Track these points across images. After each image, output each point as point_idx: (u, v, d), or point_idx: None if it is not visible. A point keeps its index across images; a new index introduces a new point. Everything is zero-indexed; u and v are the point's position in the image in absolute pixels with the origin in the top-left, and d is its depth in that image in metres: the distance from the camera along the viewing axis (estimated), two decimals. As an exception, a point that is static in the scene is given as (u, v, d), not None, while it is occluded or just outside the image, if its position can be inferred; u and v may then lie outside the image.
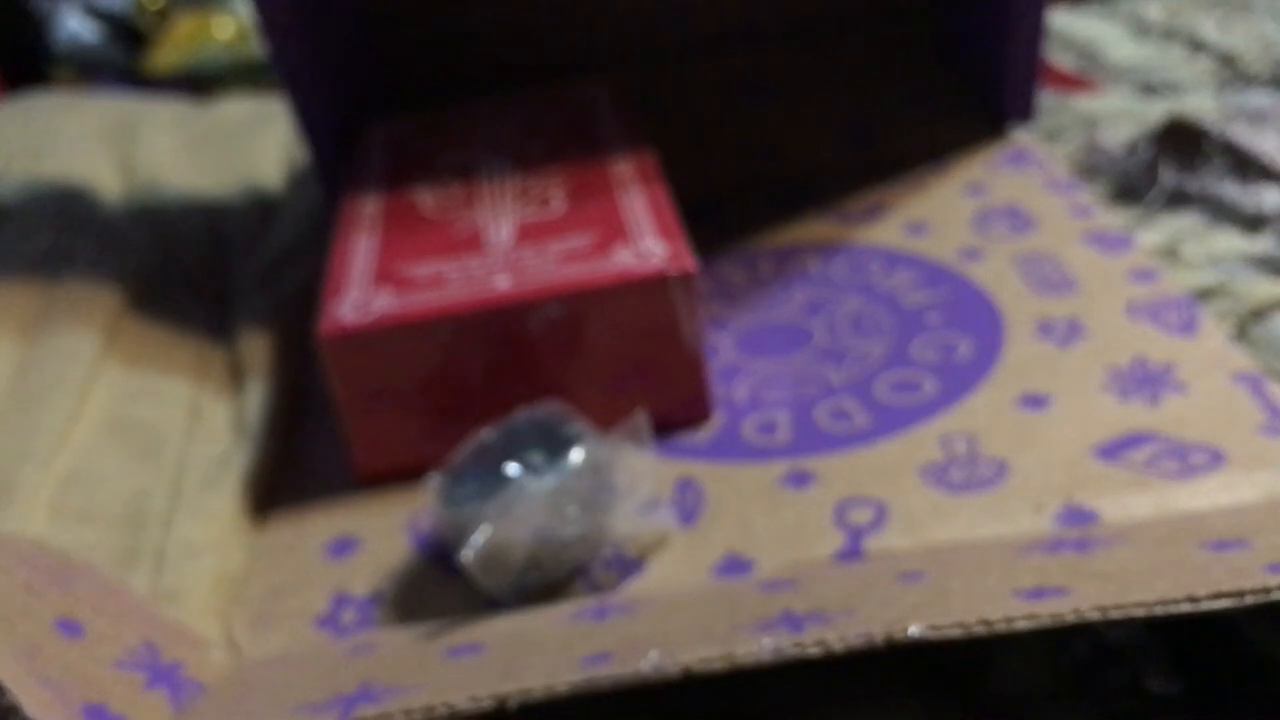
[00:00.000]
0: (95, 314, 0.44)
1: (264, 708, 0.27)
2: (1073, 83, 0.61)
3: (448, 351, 0.36)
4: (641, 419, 0.33)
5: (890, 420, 0.37)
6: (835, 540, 0.33)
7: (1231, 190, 0.46)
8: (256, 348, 0.44)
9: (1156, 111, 0.54)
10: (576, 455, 0.32)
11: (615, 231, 0.38)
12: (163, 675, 0.29)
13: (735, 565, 0.32)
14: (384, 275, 0.38)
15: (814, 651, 0.23)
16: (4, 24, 0.93)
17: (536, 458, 0.32)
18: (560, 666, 0.25)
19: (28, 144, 0.61)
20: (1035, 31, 0.48)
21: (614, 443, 0.33)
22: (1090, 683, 0.28)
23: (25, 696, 0.23)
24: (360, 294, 0.37)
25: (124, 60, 0.94)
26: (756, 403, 0.39)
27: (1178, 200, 0.47)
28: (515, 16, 0.55)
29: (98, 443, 0.39)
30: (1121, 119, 0.55)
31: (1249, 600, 0.23)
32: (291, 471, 0.39)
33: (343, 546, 0.36)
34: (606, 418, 0.34)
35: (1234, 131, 0.48)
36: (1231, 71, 0.59)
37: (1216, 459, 0.33)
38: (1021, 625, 0.23)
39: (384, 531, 0.36)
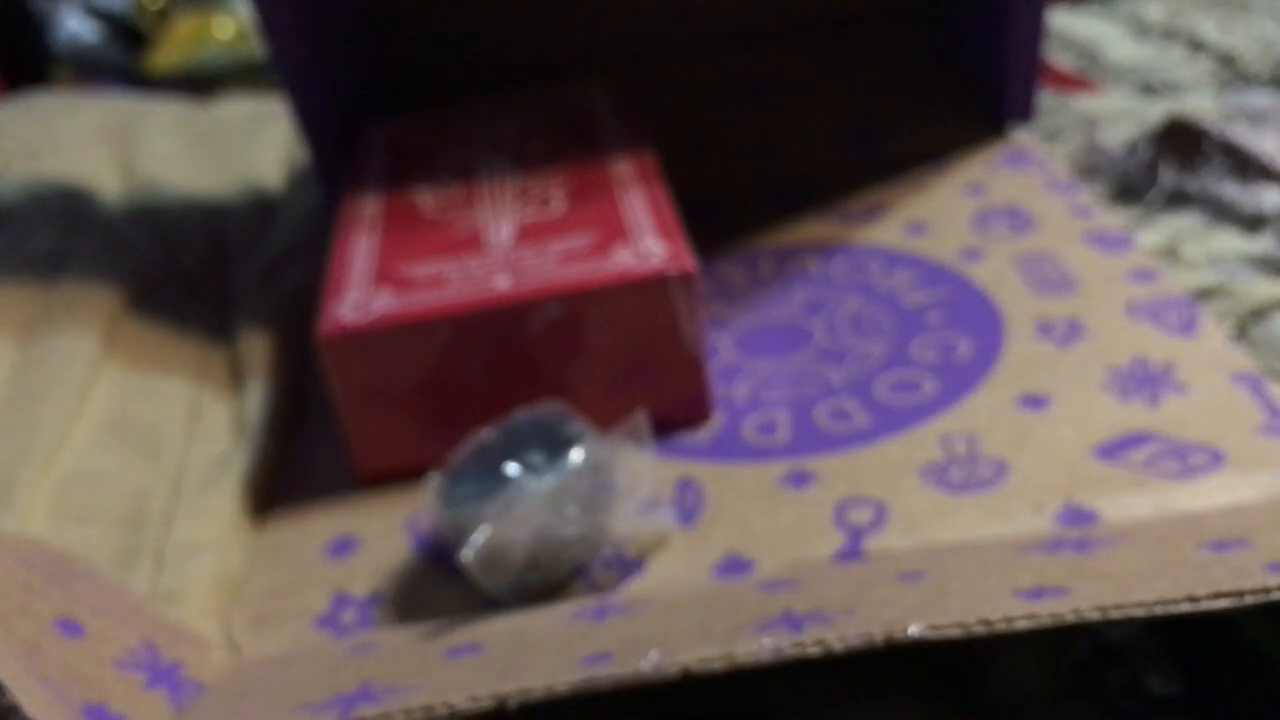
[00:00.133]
0: (95, 314, 0.44)
1: (264, 708, 0.27)
2: (1073, 83, 0.61)
3: (447, 351, 0.36)
4: (641, 419, 0.33)
5: (890, 420, 0.37)
6: (835, 540, 0.33)
7: (1231, 190, 0.46)
8: (256, 348, 0.44)
9: (1156, 111, 0.54)
10: (576, 455, 0.32)
11: (615, 231, 0.38)
12: (163, 675, 0.29)
13: (735, 565, 0.32)
14: (384, 275, 0.38)
15: (814, 651, 0.23)
16: (4, 24, 0.93)
17: (536, 458, 0.32)
18: (560, 666, 0.25)
19: (28, 144, 0.61)
20: (1035, 31, 0.48)
21: (614, 443, 0.33)
22: (1090, 683, 0.28)
23: (25, 696, 0.23)
24: (360, 294, 0.37)
25: (124, 60, 0.94)
26: (756, 403, 0.39)
27: (1178, 200, 0.47)
28: (515, 16, 0.55)
29: (98, 443, 0.39)
30: (1121, 119, 0.55)
31: (1249, 600, 0.23)
32: (291, 471, 0.39)
33: (343, 546, 0.36)
34: (606, 418, 0.34)
35: (1234, 131, 0.48)
36: (1231, 71, 0.59)
37: (1216, 459, 0.33)
38: (1021, 625, 0.23)
39: (384, 531, 0.36)
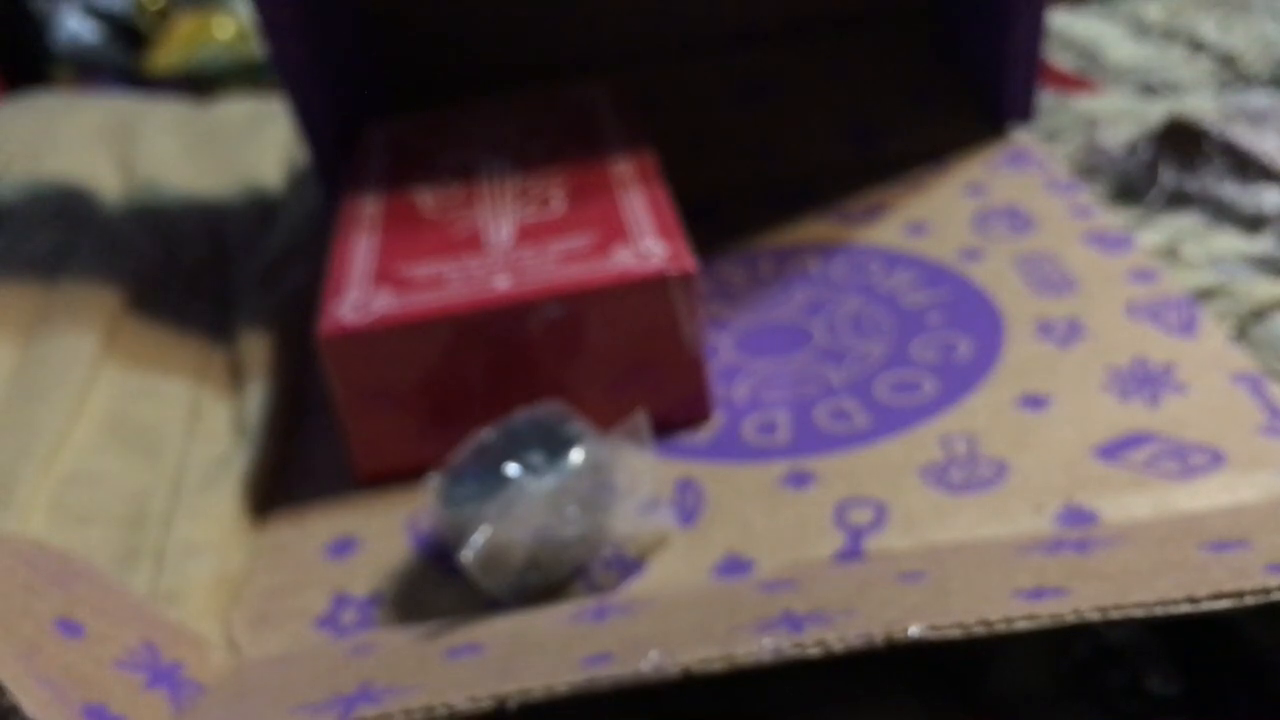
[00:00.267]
0: (95, 314, 0.44)
1: (264, 708, 0.27)
2: (1073, 83, 0.61)
3: (447, 351, 0.36)
4: (641, 419, 0.33)
5: (890, 420, 0.37)
6: (835, 540, 0.33)
7: (1231, 190, 0.46)
8: (256, 348, 0.44)
9: (1156, 111, 0.54)
10: (576, 455, 0.32)
11: (615, 231, 0.38)
12: (163, 675, 0.29)
13: (735, 565, 0.32)
14: (384, 275, 0.38)
15: (814, 651, 0.23)
16: (4, 24, 0.93)
17: (536, 458, 0.32)
18: (560, 666, 0.25)
19: (28, 144, 0.61)
20: (1035, 31, 0.48)
21: (614, 443, 0.33)
22: (1090, 683, 0.28)
23: (25, 696, 0.23)
24: (360, 294, 0.37)
25: (124, 60, 0.94)
26: (756, 403, 0.39)
27: (1178, 200, 0.47)
28: (515, 16, 0.55)
29: (98, 443, 0.39)
30: (1121, 119, 0.55)
31: (1249, 600, 0.23)
32: (291, 471, 0.39)
33: (343, 546, 0.36)
34: (606, 418, 0.34)
35: (1234, 131, 0.48)
36: (1231, 71, 0.59)
37: (1216, 459, 0.33)
38: (1021, 625, 0.23)
39: (384, 531, 0.36)
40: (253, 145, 0.63)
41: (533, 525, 0.31)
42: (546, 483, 0.31)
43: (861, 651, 0.23)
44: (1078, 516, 0.32)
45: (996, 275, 0.43)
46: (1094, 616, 0.23)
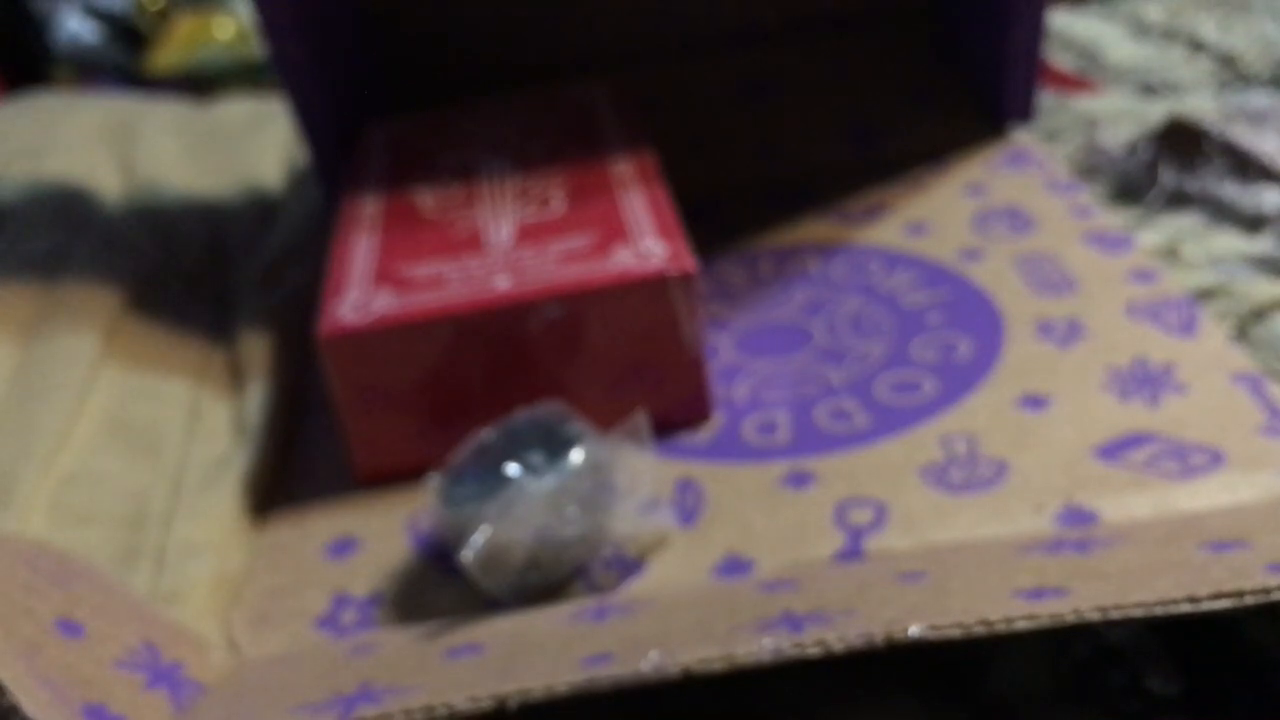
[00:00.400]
0: (95, 314, 0.44)
1: (264, 708, 0.27)
2: (1073, 83, 0.61)
3: (447, 351, 0.36)
4: (641, 419, 0.33)
5: (890, 420, 0.37)
6: (835, 540, 0.33)
7: (1231, 190, 0.46)
8: (256, 348, 0.44)
9: (1156, 112, 0.54)
10: (576, 455, 0.32)
11: (615, 231, 0.38)
12: (163, 675, 0.29)
13: (735, 565, 0.32)
14: (384, 275, 0.38)
15: (814, 651, 0.23)
16: (4, 24, 0.93)
17: (536, 458, 0.32)
18: (560, 666, 0.25)
19: (28, 144, 0.61)
20: (1035, 31, 0.48)
21: (614, 443, 0.33)
22: (1090, 683, 0.28)
23: (25, 696, 0.23)
24: (360, 294, 0.37)
25: (124, 60, 0.94)
26: (756, 403, 0.39)
27: (1178, 200, 0.47)
28: (515, 16, 0.55)
29: (98, 443, 0.39)
30: (1121, 119, 0.55)
31: (1249, 600, 0.23)
32: (291, 471, 0.39)
33: (343, 547, 0.36)
34: (606, 418, 0.34)
35: (1234, 132, 0.48)
36: (1231, 71, 0.59)
37: (1216, 459, 0.33)
38: (1021, 625, 0.23)
39: (384, 531, 0.36)
40: (253, 145, 0.63)
41: (533, 525, 0.31)
42: (546, 483, 0.31)
43: (861, 651, 0.23)
44: (1078, 516, 0.32)
45: (996, 275, 0.43)
46: (1094, 616, 0.23)
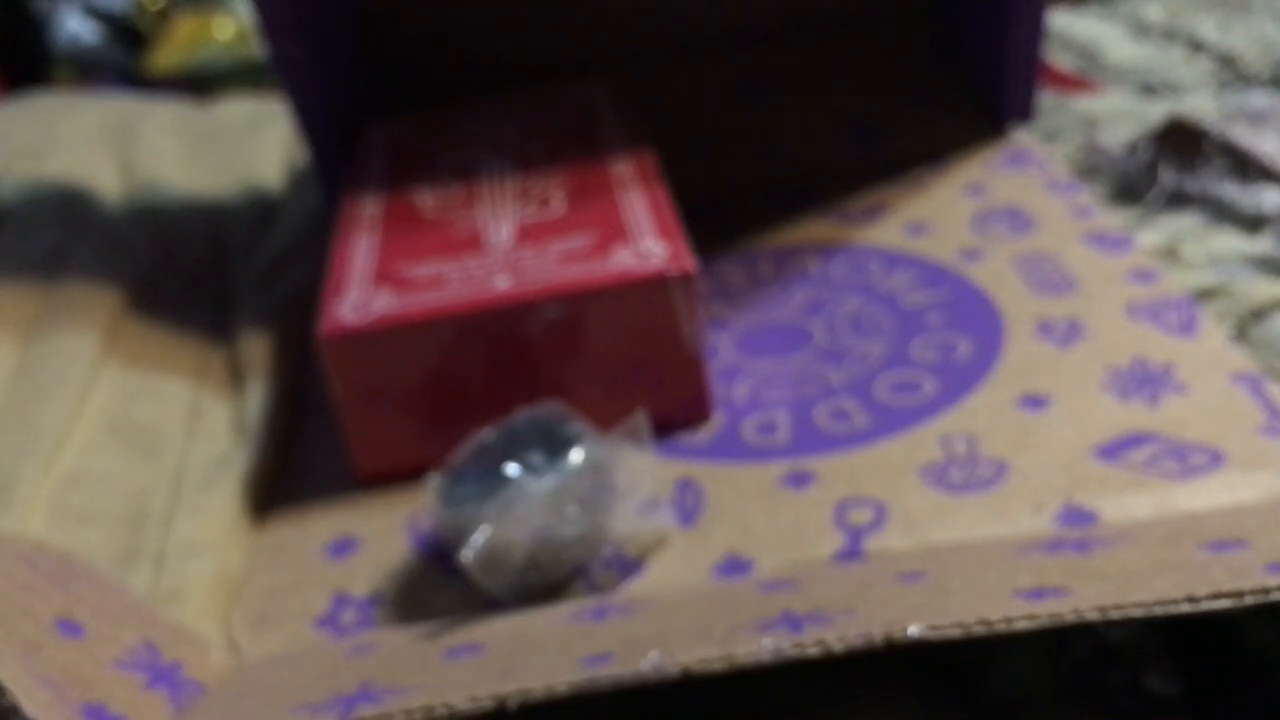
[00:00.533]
0: (95, 314, 0.44)
1: (264, 708, 0.27)
2: (1073, 83, 0.61)
3: (448, 351, 0.36)
4: (641, 419, 0.33)
5: (890, 420, 0.37)
6: (835, 540, 0.33)
7: (1231, 190, 0.46)
8: (256, 348, 0.44)
9: (1156, 112, 0.54)
10: (576, 455, 0.32)
11: (615, 231, 0.38)
12: (163, 675, 0.29)
13: (735, 565, 0.32)
14: (384, 275, 0.38)
15: (814, 651, 0.23)
16: (4, 24, 0.93)
17: (536, 458, 0.32)
18: (560, 666, 0.25)
19: (28, 144, 0.61)
20: (1035, 31, 0.48)
21: (614, 443, 0.33)
22: (1090, 683, 0.28)
23: (25, 696, 0.23)
24: (360, 294, 0.37)
25: (124, 60, 0.94)
26: (756, 403, 0.39)
27: (1178, 200, 0.47)
28: (515, 16, 0.55)
29: (98, 443, 0.39)
30: (1121, 119, 0.55)
31: (1248, 600, 0.23)
32: (291, 471, 0.39)
33: (343, 546, 0.36)
34: (606, 418, 0.34)
35: (1234, 132, 0.48)
36: (1231, 72, 0.59)
37: (1216, 459, 0.33)
38: (1021, 625, 0.23)
39: (384, 531, 0.36)
40: (253, 145, 0.63)
41: (533, 525, 0.31)
42: (546, 483, 0.31)
43: (861, 651, 0.23)
44: (1078, 516, 0.32)
45: (996, 275, 0.43)
46: (1094, 616, 0.23)
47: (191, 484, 0.38)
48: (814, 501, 0.34)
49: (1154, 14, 0.68)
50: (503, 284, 0.37)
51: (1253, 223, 0.45)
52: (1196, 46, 0.63)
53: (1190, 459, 0.33)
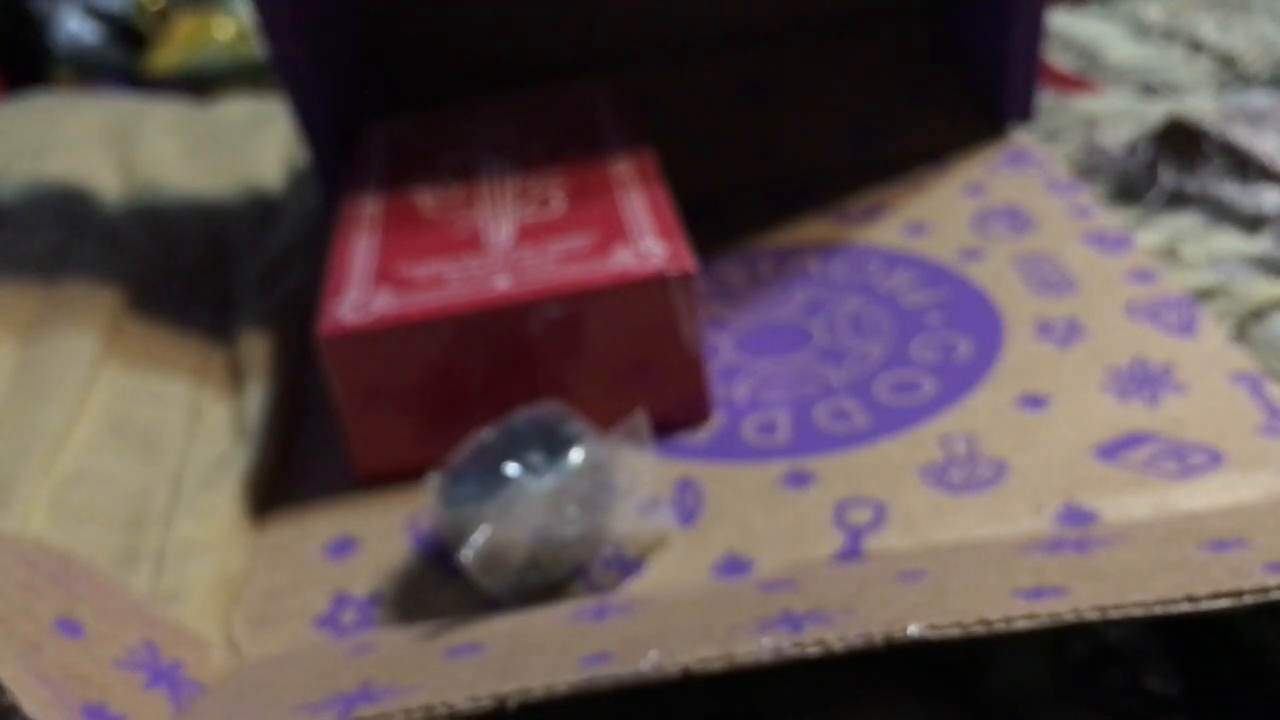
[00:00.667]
0: (95, 314, 0.44)
1: (264, 708, 0.27)
2: (1073, 83, 0.61)
3: (448, 351, 0.36)
4: (641, 419, 0.33)
5: (890, 420, 0.37)
6: (835, 540, 0.33)
7: (1231, 190, 0.46)
8: (256, 348, 0.44)
9: (1156, 112, 0.54)
10: (576, 455, 0.32)
11: (615, 232, 0.38)
12: (163, 675, 0.29)
13: (735, 565, 0.33)
14: (384, 275, 0.38)
15: (814, 651, 0.23)
16: (4, 24, 0.93)
17: (536, 458, 0.32)
18: (560, 666, 0.25)
19: (28, 144, 0.61)
20: (1035, 32, 0.48)
21: (614, 443, 0.33)
22: (1090, 683, 0.28)
23: (25, 696, 0.23)
24: (360, 294, 0.37)
25: (124, 60, 0.94)
26: (756, 403, 0.39)
27: (1177, 200, 0.47)
28: (515, 16, 0.55)
29: (98, 443, 0.39)
30: (1121, 119, 0.55)
31: (1248, 600, 0.23)
32: (291, 471, 0.39)
33: (343, 546, 0.36)
34: (606, 418, 0.34)
35: (1234, 132, 0.48)
36: (1231, 72, 0.59)
37: (1216, 459, 0.33)
38: (1020, 625, 0.23)
39: (384, 531, 0.36)
40: (253, 145, 0.63)
41: (533, 525, 0.31)
42: (546, 483, 0.31)
43: (861, 651, 0.23)
44: (1077, 516, 0.32)
45: (996, 275, 0.43)
46: (1093, 616, 0.23)
47: (191, 484, 0.38)
48: (814, 501, 0.34)
49: (1154, 14, 0.68)
50: (503, 284, 0.37)
51: (1252, 223, 0.45)
52: (1196, 46, 0.63)
53: (1190, 459, 0.33)
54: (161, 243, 0.51)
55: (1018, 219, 0.46)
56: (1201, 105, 0.55)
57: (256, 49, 0.88)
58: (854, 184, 0.50)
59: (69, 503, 0.37)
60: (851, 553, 0.32)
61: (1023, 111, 0.51)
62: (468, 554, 0.31)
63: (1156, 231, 0.45)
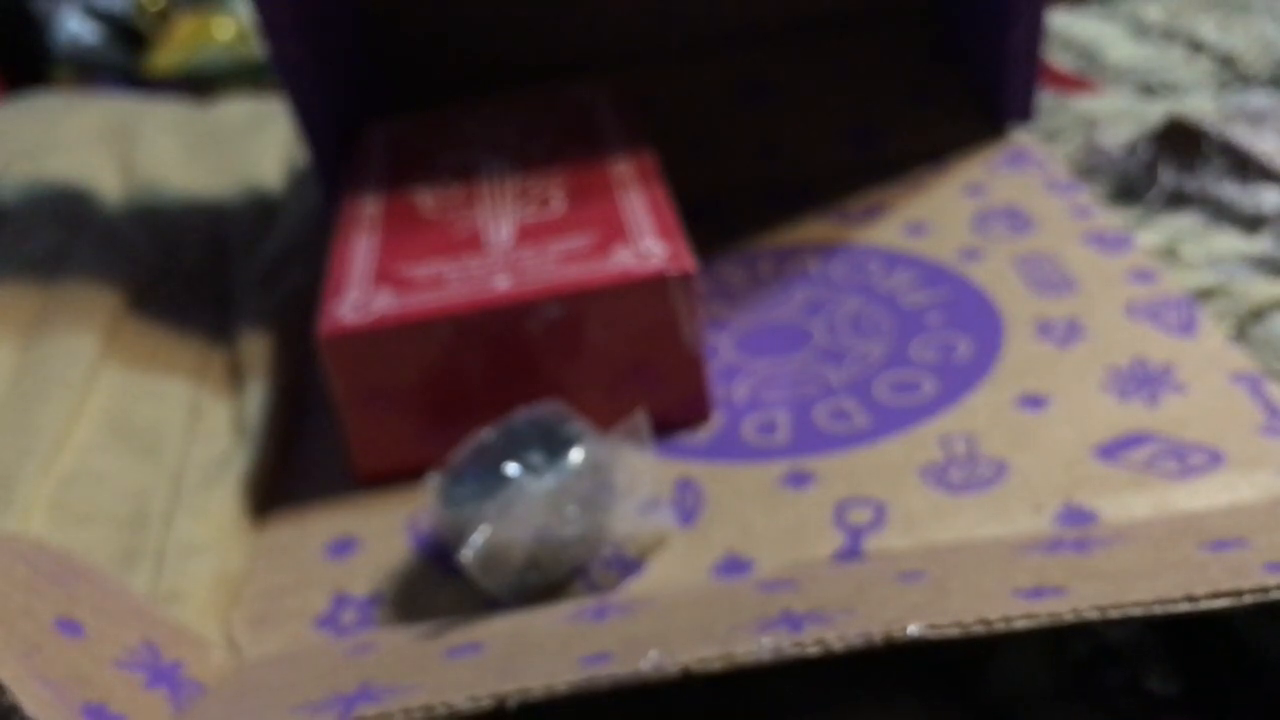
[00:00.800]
0: (95, 314, 0.44)
1: (264, 708, 0.27)
2: (1072, 83, 0.61)
3: (448, 351, 0.36)
4: (641, 419, 0.33)
5: (890, 420, 0.37)
6: (835, 540, 0.33)
7: (1231, 190, 0.46)
8: (256, 348, 0.44)
9: (1156, 112, 0.54)
10: (576, 455, 0.32)
11: (615, 232, 0.38)
12: (163, 675, 0.29)
13: (735, 565, 0.33)
14: (384, 275, 0.38)
15: (813, 651, 0.23)
16: (4, 24, 0.93)
17: (536, 458, 0.32)
18: (560, 666, 0.25)
19: (28, 144, 0.61)
20: (1035, 31, 0.48)
21: (614, 443, 0.33)
22: (1090, 683, 0.28)
23: (25, 696, 0.23)
24: (360, 294, 0.37)
25: (124, 61, 0.94)
26: (756, 403, 0.39)
27: (1177, 200, 0.47)
28: (515, 16, 0.55)
29: (98, 443, 0.39)
30: (1121, 119, 0.55)
31: (1247, 600, 0.23)
32: (291, 471, 0.39)
33: (343, 546, 0.36)
34: (606, 418, 0.34)
35: (1233, 132, 0.48)
36: (1231, 72, 0.59)
37: (1215, 459, 0.33)
38: (1020, 625, 0.23)
39: (384, 531, 0.36)
40: (253, 145, 0.63)
41: (533, 525, 0.31)
42: (546, 483, 0.31)
43: (861, 651, 0.23)
44: (1077, 516, 0.32)
45: (996, 275, 0.43)
46: (1093, 616, 0.23)
47: (191, 484, 0.38)
48: (814, 501, 0.34)
49: (1154, 14, 0.68)
50: (503, 284, 0.37)
51: (1252, 223, 0.45)
52: (1196, 46, 0.63)
53: (1189, 459, 0.33)
54: (161, 243, 0.51)
55: (1018, 219, 0.46)
56: (1201, 105, 0.55)
57: (256, 49, 0.88)
58: (854, 184, 0.50)
59: (69, 503, 0.37)
60: (851, 553, 0.32)
61: (1023, 111, 0.51)
62: (468, 554, 0.31)
63: (1156, 231, 0.45)
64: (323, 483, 0.38)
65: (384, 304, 0.36)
